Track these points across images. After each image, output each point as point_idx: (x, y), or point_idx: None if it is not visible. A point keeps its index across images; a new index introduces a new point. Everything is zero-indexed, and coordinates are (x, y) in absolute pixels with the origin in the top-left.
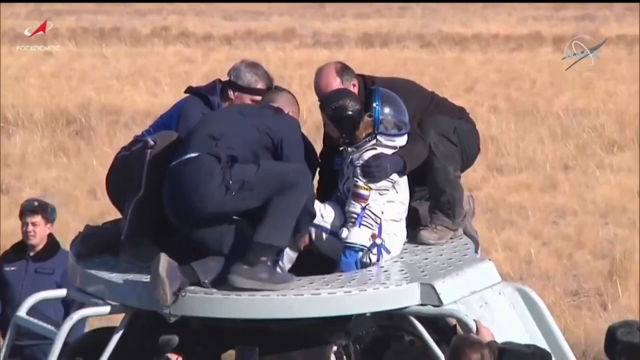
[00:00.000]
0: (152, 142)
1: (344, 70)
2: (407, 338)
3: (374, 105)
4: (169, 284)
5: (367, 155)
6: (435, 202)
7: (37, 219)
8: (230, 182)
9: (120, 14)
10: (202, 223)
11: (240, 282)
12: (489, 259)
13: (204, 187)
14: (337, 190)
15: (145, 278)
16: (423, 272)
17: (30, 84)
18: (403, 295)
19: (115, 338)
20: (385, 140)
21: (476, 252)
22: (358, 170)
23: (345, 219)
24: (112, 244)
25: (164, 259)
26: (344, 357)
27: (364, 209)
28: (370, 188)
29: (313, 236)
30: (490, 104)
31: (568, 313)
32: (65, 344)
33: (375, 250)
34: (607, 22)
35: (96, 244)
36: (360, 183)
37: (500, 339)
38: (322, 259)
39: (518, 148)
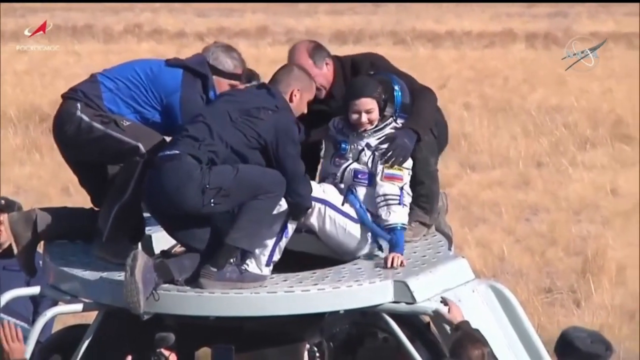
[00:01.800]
0: (143, 151)
1: (316, 49)
2: (380, 335)
3: (396, 89)
4: (143, 290)
5: (385, 137)
6: (412, 195)
7: (4, 217)
8: (208, 186)
9: (93, 11)
10: (176, 221)
11: (210, 284)
12: (462, 256)
13: (181, 188)
14: (329, 175)
15: (119, 276)
16: (396, 269)
17: (4, 81)
18: (376, 293)
19: (89, 335)
20: (400, 123)
21: (449, 249)
22: (389, 153)
23: (374, 202)
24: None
25: (140, 261)
26: (318, 354)
27: (401, 188)
28: (404, 168)
29: (319, 220)
30: (463, 101)
31: (541, 310)
32: (37, 341)
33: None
34: (580, 19)
35: (55, 227)
36: (393, 164)
37: None
38: (312, 254)
39: (491, 145)
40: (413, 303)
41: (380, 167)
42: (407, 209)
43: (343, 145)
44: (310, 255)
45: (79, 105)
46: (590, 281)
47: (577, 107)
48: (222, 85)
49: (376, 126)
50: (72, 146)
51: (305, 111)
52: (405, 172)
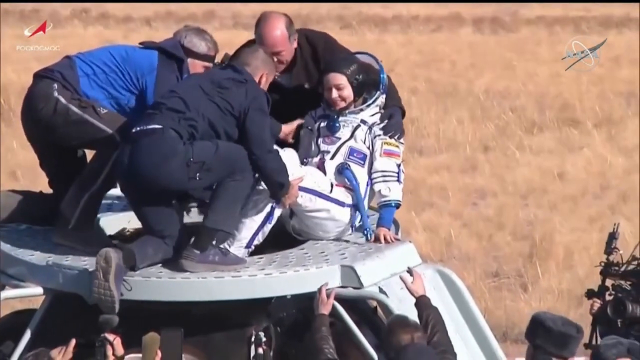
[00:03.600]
0: (119, 140)
1: (291, 24)
2: (329, 320)
3: (380, 65)
4: (117, 293)
5: (377, 114)
6: None
7: None
8: (192, 160)
9: None
10: (151, 198)
11: (193, 266)
12: (409, 241)
13: (166, 162)
14: (317, 154)
15: (67, 260)
16: (343, 254)
17: None
18: (323, 278)
19: (36, 320)
20: (382, 100)
21: (396, 233)
22: (391, 129)
23: (368, 179)
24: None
25: (114, 264)
26: (265, 339)
27: (399, 165)
28: (401, 144)
29: (310, 209)
30: (410, 86)
31: (488, 294)
32: None
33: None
34: (528, 3)
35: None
36: (391, 140)
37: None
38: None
39: (438, 129)
40: (360, 288)
41: (379, 143)
42: (402, 186)
43: (336, 124)
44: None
45: (55, 85)
46: (538, 265)
47: (525, 92)
48: (196, 67)
49: (370, 100)
50: (44, 127)
51: (266, 89)
52: (401, 149)
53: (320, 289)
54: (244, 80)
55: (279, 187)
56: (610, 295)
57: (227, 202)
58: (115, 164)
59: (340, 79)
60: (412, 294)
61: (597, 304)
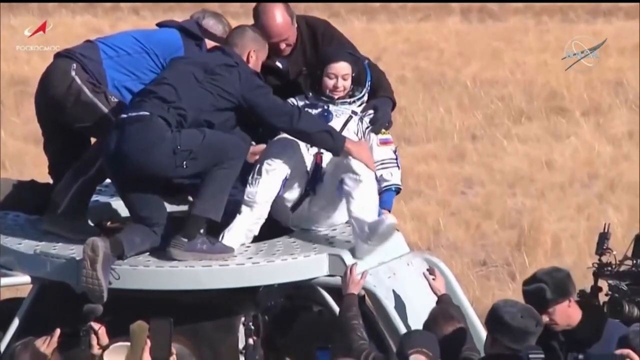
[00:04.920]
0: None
1: (289, 7)
2: (315, 309)
3: (366, 63)
4: (105, 282)
5: (367, 106)
6: None
7: None
8: (179, 147)
9: None
10: (138, 185)
11: (181, 255)
12: (397, 230)
13: (153, 149)
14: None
15: (55, 249)
16: (331, 243)
17: None
18: (311, 266)
19: (24, 308)
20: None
21: None
22: (377, 121)
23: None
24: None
25: (101, 253)
26: (253, 327)
27: (395, 151)
28: (388, 132)
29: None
30: (398, 74)
31: (476, 283)
32: None
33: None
34: None
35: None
36: (383, 129)
37: (409, 310)
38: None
39: (426, 118)
40: None
41: (372, 135)
42: (401, 171)
43: (329, 115)
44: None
45: (74, 65)
46: (525, 254)
47: (512, 80)
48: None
49: (358, 96)
50: (54, 104)
51: (259, 70)
52: (391, 135)
53: (351, 268)
54: (235, 63)
55: (327, 135)
56: (606, 295)
57: (215, 190)
58: (103, 150)
59: (347, 69)
60: (434, 292)
61: None
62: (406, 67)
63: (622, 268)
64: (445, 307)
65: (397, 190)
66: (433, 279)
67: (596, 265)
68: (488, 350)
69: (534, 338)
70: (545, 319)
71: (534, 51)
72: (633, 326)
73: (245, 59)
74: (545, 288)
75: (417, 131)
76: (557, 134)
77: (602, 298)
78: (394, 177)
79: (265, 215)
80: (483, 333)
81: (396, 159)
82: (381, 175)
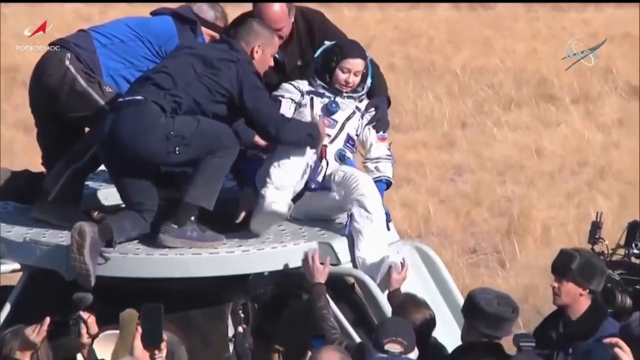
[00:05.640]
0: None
1: (293, 6)
2: (305, 296)
3: (369, 61)
4: (93, 267)
5: (369, 103)
6: None
7: None
8: (172, 133)
9: None
10: (130, 170)
11: (171, 241)
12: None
13: (146, 133)
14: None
15: (44, 236)
16: (321, 231)
17: None
18: (301, 254)
19: (13, 296)
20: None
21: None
22: (380, 119)
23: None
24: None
25: (88, 238)
26: (242, 315)
27: (389, 147)
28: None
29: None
30: (388, 62)
31: (466, 271)
32: None
33: None
34: None
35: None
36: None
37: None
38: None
39: (415, 106)
40: (337, 264)
41: (372, 131)
42: (393, 165)
43: (334, 106)
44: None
45: (69, 55)
46: (515, 242)
47: (502, 68)
48: (203, 34)
49: (361, 92)
50: (48, 94)
51: (271, 64)
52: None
53: (313, 258)
54: (236, 59)
55: (309, 138)
56: None
57: (208, 178)
58: (97, 133)
59: (361, 66)
60: (387, 286)
61: None
62: (396, 55)
63: (615, 257)
64: (412, 295)
65: (388, 184)
66: (397, 273)
67: None
68: (465, 338)
69: (509, 325)
70: (554, 284)
71: (524, 39)
72: (635, 314)
73: (250, 54)
74: (576, 259)
75: (407, 119)
76: (547, 122)
77: None
78: (386, 170)
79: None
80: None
81: (391, 155)
82: (376, 167)
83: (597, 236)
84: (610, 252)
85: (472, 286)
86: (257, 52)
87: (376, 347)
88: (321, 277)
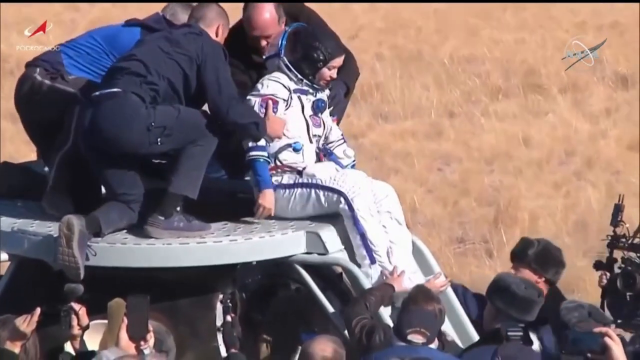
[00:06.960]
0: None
1: (280, 7)
2: (293, 286)
3: None
4: (81, 260)
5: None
6: None
7: None
8: (153, 124)
9: None
10: (113, 162)
11: (158, 233)
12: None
13: (127, 126)
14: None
15: (32, 226)
16: (309, 220)
17: None
18: (289, 244)
19: (1, 286)
20: None
21: None
22: (335, 105)
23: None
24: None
25: (76, 231)
26: (230, 305)
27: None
28: None
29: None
30: (375, 51)
31: (454, 260)
32: None
33: None
34: None
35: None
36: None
37: None
38: None
39: (403, 95)
40: (325, 254)
41: (329, 115)
42: None
43: (323, 105)
44: (224, 206)
45: (38, 69)
46: (503, 231)
47: (490, 57)
48: None
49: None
50: (26, 105)
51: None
52: None
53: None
54: (199, 32)
55: (254, 127)
56: (619, 268)
57: (190, 167)
58: (77, 127)
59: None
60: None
61: (606, 276)
62: (383, 44)
63: (636, 240)
64: (424, 287)
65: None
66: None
67: (610, 237)
68: (491, 324)
69: (537, 309)
70: (511, 270)
71: (511, 29)
72: (566, 302)
73: (213, 33)
74: (534, 246)
75: (395, 108)
76: (535, 111)
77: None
78: (351, 153)
79: None
80: (460, 310)
81: (343, 135)
82: (344, 151)
83: (618, 219)
84: (631, 236)
85: (460, 275)
86: (219, 31)
87: (398, 336)
88: (396, 283)
